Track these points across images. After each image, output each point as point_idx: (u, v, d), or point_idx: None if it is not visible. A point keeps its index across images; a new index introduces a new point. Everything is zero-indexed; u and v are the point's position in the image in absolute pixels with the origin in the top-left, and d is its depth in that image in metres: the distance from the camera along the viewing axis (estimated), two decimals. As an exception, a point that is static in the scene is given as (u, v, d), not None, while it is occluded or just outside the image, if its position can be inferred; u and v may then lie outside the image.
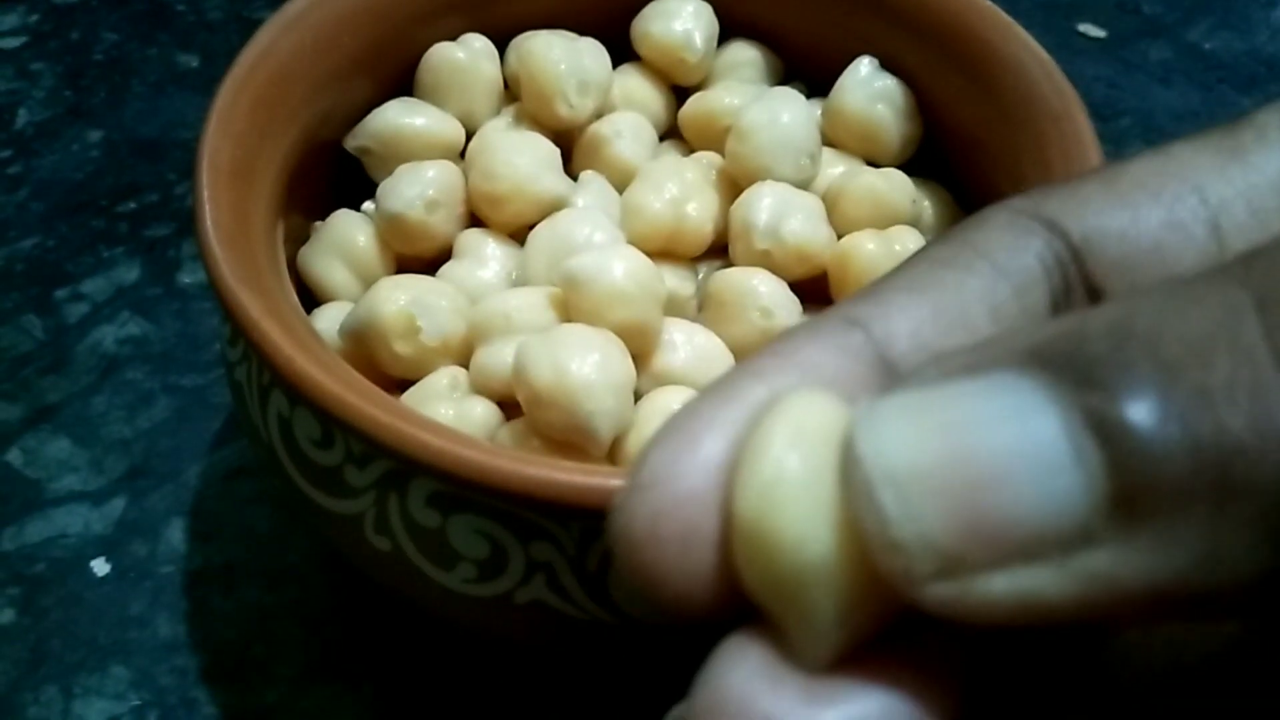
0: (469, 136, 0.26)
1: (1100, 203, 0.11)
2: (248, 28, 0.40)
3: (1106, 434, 0.08)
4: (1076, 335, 0.09)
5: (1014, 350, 0.09)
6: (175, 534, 0.28)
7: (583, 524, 0.19)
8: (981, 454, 0.09)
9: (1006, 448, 0.09)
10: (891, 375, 0.11)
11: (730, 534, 0.10)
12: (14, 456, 0.29)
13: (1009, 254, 0.11)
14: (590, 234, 0.23)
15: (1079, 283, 0.11)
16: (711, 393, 0.11)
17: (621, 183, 0.25)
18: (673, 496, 0.10)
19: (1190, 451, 0.08)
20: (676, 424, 0.10)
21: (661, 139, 0.28)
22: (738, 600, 0.10)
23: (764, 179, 0.24)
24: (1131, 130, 0.39)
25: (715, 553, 0.10)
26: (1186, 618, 0.09)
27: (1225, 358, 0.08)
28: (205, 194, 0.21)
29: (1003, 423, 0.09)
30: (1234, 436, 0.08)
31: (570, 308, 0.22)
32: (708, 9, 0.28)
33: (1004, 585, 0.09)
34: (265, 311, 0.20)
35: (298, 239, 0.25)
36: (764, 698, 0.09)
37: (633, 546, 0.10)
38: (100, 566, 0.27)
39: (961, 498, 0.09)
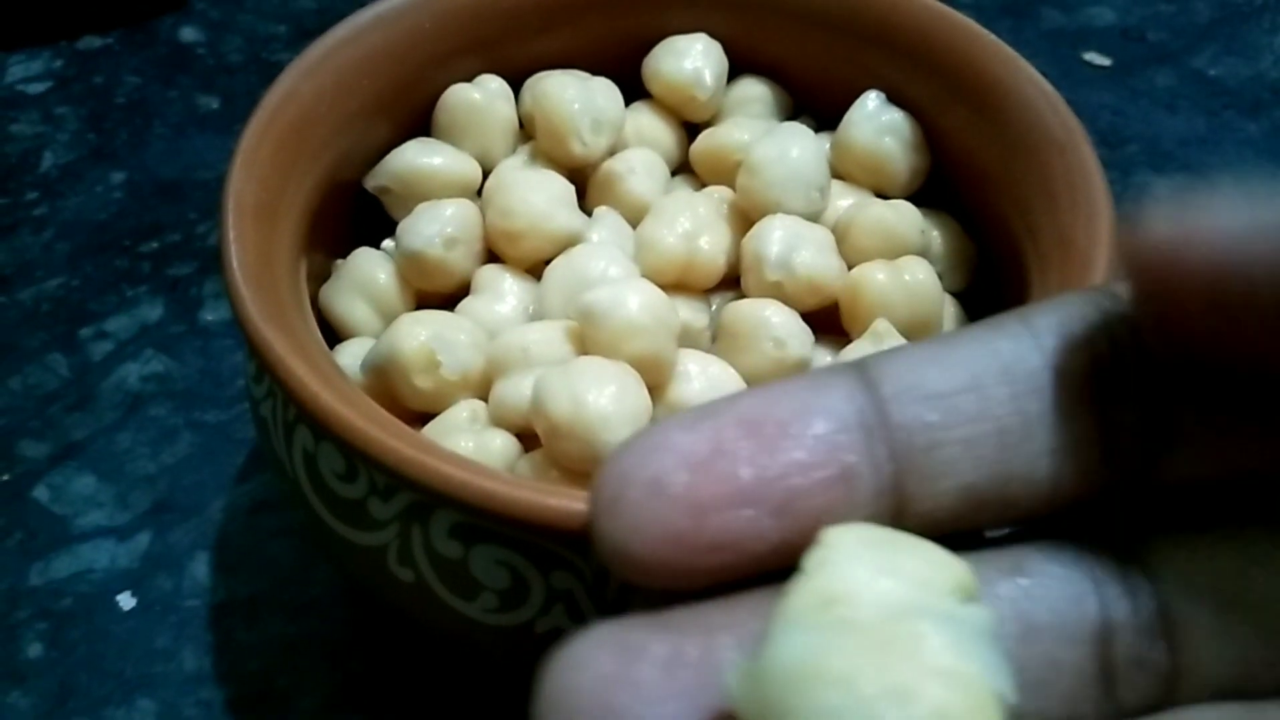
0: (486, 175, 0.27)
1: None
2: (266, 70, 0.41)
3: None
4: None
5: None
6: (199, 568, 0.28)
7: (602, 553, 0.20)
8: None
9: None
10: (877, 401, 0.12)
11: None
12: (40, 493, 0.30)
13: (1048, 317, 0.12)
14: (605, 268, 0.24)
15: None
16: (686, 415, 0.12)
17: (635, 218, 0.26)
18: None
19: None
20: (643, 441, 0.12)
21: (673, 174, 0.28)
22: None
23: (774, 212, 0.25)
24: (1138, 157, 0.39)
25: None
26: None
27: None
28: (231, 234, 0.22)
29: None
30: None
31: (586, 341, 0.22)
32: (717, 47, 0.28)
33: None
34: (291, 349, 0.20)
35: (319, 277, 0.26)
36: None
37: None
38: (126, 601, 0.28)
39: None
